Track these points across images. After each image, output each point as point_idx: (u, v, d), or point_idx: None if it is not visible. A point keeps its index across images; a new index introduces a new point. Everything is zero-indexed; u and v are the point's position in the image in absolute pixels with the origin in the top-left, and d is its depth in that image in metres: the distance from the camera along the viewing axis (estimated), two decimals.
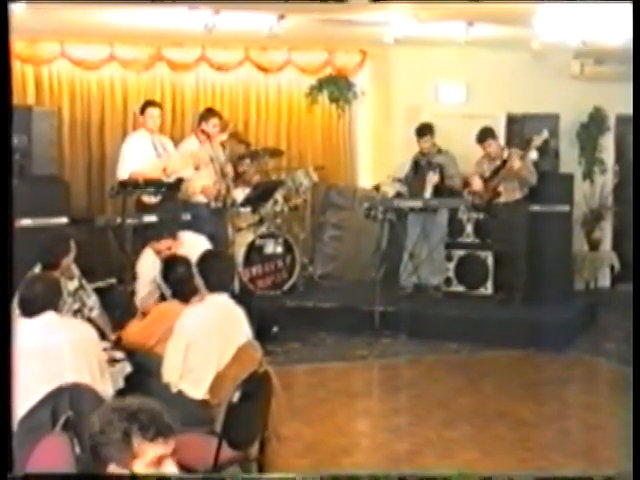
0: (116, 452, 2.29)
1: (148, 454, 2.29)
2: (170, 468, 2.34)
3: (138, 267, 6.19)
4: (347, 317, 8.24)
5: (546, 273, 8.53)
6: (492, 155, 8.38)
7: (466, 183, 8.56)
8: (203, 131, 8.07)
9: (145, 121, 7.98)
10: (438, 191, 8.63)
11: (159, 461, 2.32)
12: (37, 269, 5.22)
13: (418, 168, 8.78)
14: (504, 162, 8.27)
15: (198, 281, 4.80)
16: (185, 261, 5.23)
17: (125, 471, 2.31)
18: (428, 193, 8.64)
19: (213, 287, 4.73)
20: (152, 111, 8.00)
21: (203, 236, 6.65)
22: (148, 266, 5.92)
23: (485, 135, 8.41)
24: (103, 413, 2.34)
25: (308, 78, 9.98)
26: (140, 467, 2.30)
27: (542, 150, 8.47)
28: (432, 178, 8.58)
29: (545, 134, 8.30)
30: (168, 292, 5.24)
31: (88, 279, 5.69)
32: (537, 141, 8.29)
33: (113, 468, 2.33)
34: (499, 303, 8.45)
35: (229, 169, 8.31)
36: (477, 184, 8.37)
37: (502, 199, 8.34)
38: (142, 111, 8.03)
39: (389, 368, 7.53)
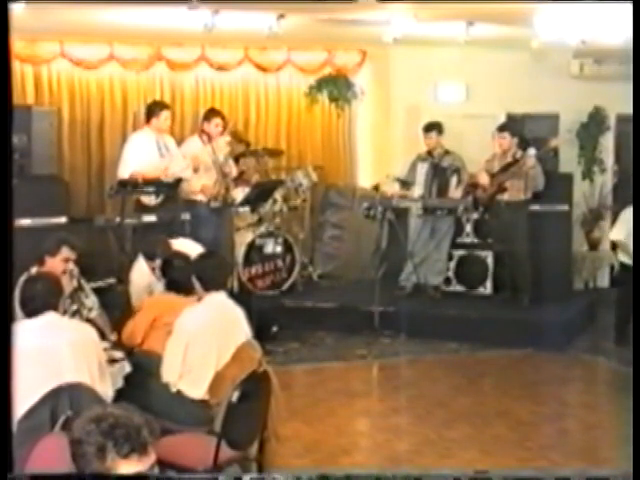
0: (90, 465, 2.25)
1: (121, 470, 2.24)
2: None
3: (131, 275, 6.15)
4: (346, 317, 8.23)
5: (545, 273, 8.52)
6: (504, 148, 8.38)
7: (472, 177, 8.56)
8: (204, 131, 8.09)
9: (159, 123, 7.89)
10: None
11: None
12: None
13: (437, 171, 8.71)
14: (516, 160, 8.28)
15: (194, 281, 4.81)
16: (184, 257, 5.26)
17: None
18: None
19: (207, 286, 4.74)
20: (167, 114, 7.97)
21: (195, 242, 6.60)
22: (141, 273, 5.90)
23: (504, 127, 8.50)
24: (83, 422, 2.28)
25: (307, 78, 9.98)
26: None
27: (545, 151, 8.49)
28: (454, 183, 8.61)
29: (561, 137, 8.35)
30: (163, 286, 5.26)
31: (88, 279, 5.68)
32: (554, 142, 8.32)
33: None
34: (503, 303, 8.42)
35: (229, 169, 8.30)
36: (484, 178, 8.36)
37: (506, 196, 8.31)
38: (153, 113, 7.92)
39: (388, 368, 7.53)
